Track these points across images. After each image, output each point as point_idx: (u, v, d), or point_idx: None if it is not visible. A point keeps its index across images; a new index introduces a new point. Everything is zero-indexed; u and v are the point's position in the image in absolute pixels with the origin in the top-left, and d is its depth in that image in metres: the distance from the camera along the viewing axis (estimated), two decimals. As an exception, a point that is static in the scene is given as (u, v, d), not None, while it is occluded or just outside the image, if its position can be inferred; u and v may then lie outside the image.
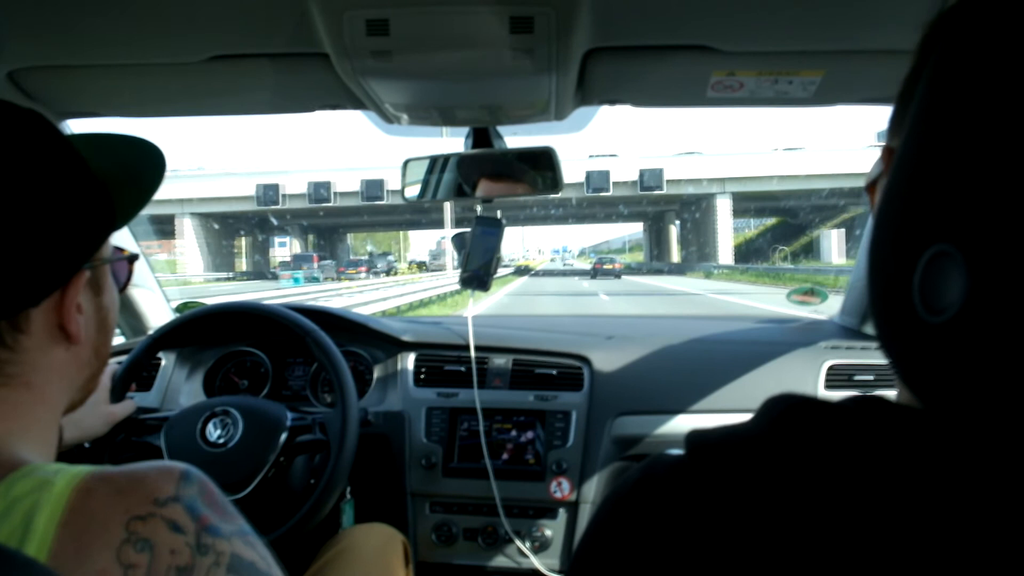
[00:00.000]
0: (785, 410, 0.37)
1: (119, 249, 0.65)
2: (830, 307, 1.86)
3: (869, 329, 1.63)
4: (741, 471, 0.36)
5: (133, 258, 0.67)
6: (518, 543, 1.47)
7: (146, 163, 0.64)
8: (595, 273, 36.98)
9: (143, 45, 1.00)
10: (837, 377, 1.51)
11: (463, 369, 1.58)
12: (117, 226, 0.59)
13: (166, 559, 0.45)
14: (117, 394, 1.25)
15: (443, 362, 1.61)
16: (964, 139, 0.28)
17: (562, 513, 1.48)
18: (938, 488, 0.31)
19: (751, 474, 0.35)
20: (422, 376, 1.61)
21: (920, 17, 0.37)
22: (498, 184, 1.32)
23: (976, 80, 0.28)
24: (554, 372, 1.56)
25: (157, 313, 1.77)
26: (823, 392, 1.49)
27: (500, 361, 1.59)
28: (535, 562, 1.47)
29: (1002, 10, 0.28)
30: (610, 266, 37.47)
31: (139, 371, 1.33)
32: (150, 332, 1.37)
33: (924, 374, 0.30)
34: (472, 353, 1.55)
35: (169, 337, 1.36)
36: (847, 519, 0.32)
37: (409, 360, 1.62)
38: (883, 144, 0.41)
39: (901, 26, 0.89)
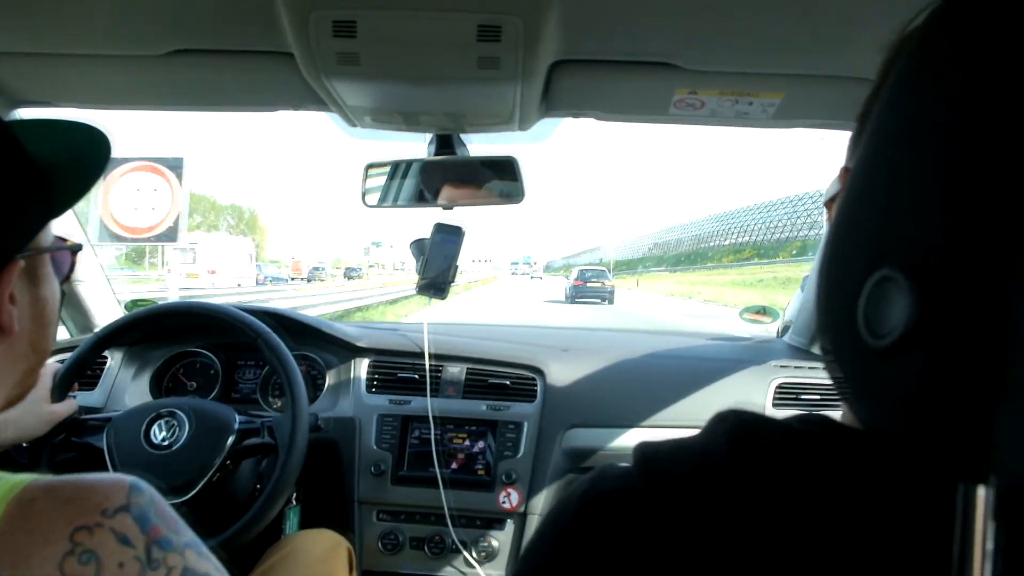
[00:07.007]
0: (733, 427, 0.38)
1: (61, 239, 0.62)
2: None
3: (817, 349, 1.67)
4: (690, 487, 0.36)
5: (76, 248, 0.64)
6: (465, 553, 1.46)
7: (91, 149, 0.61)
8: (575, 294, 25.51)
9: (102, 35, 0.98)
10: (784, 396, 1.55)
11: (417, 376, 1.57)
12: (55, 213, 0.57)
13: (113, 573, 0.43)
14: (59, 393, 1.20)
15: (397, 369, 1.60)
16: (909, 162, 0.29)
17: (510, 524, 1.48)
18: (872, 508, 0.32)
19: (700, 490, 0.35)
20: (375, 382, 1.60)
21: (877, 43, 0.37)
22: (461, 191, 1.32)
23: (923, 103, 0.28)
24: (507, 382, 1.56)
25: (105, 309, 1.72)
26: (770, 410, 1.52)
27: (454, 370, 1.59)
28: (481, 572, 1.46)
29: (955, 35, 0.28)
30: (598, 283, 25.91)
31: (83, 369, 1.29)
32: (96, 329, 1.33)
33: (866, 396, 0.31)
34: (427, 361, 1.55)
35: (116, 335, 1.32)
36: (789, 536, 0.32)
37: (363, 366, 1.61)
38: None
39: (859, 51, 0.92)
